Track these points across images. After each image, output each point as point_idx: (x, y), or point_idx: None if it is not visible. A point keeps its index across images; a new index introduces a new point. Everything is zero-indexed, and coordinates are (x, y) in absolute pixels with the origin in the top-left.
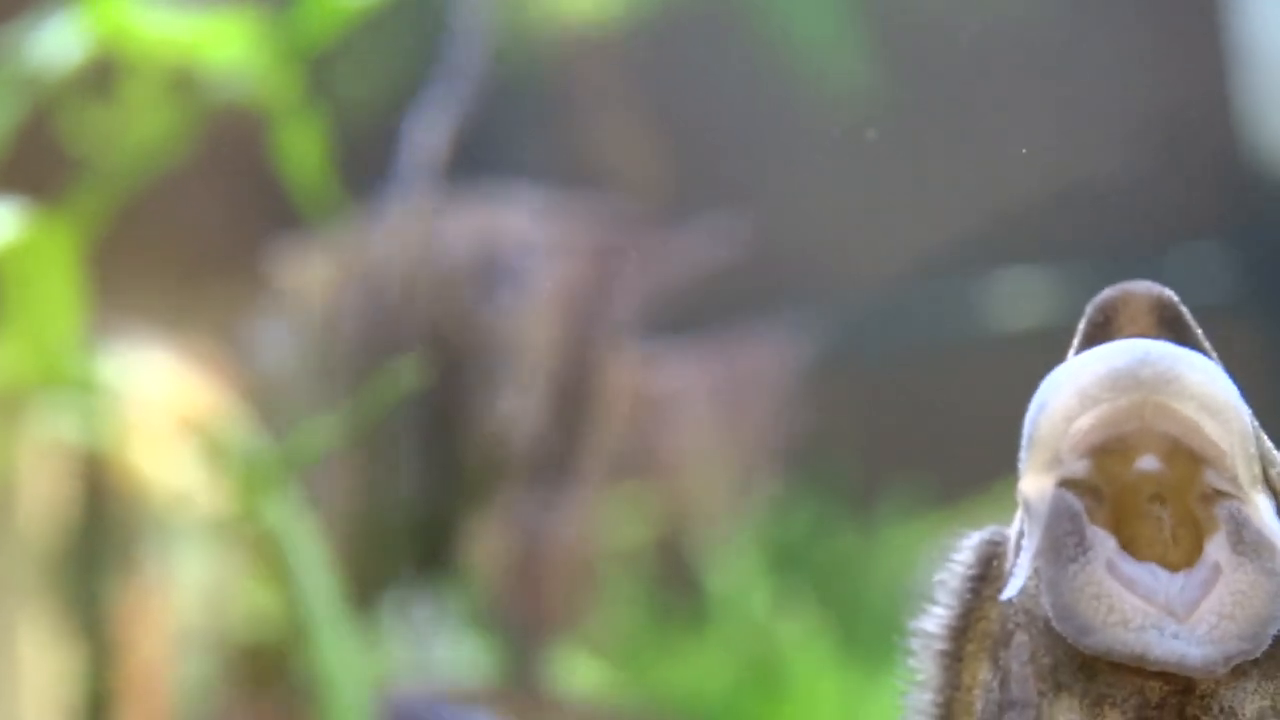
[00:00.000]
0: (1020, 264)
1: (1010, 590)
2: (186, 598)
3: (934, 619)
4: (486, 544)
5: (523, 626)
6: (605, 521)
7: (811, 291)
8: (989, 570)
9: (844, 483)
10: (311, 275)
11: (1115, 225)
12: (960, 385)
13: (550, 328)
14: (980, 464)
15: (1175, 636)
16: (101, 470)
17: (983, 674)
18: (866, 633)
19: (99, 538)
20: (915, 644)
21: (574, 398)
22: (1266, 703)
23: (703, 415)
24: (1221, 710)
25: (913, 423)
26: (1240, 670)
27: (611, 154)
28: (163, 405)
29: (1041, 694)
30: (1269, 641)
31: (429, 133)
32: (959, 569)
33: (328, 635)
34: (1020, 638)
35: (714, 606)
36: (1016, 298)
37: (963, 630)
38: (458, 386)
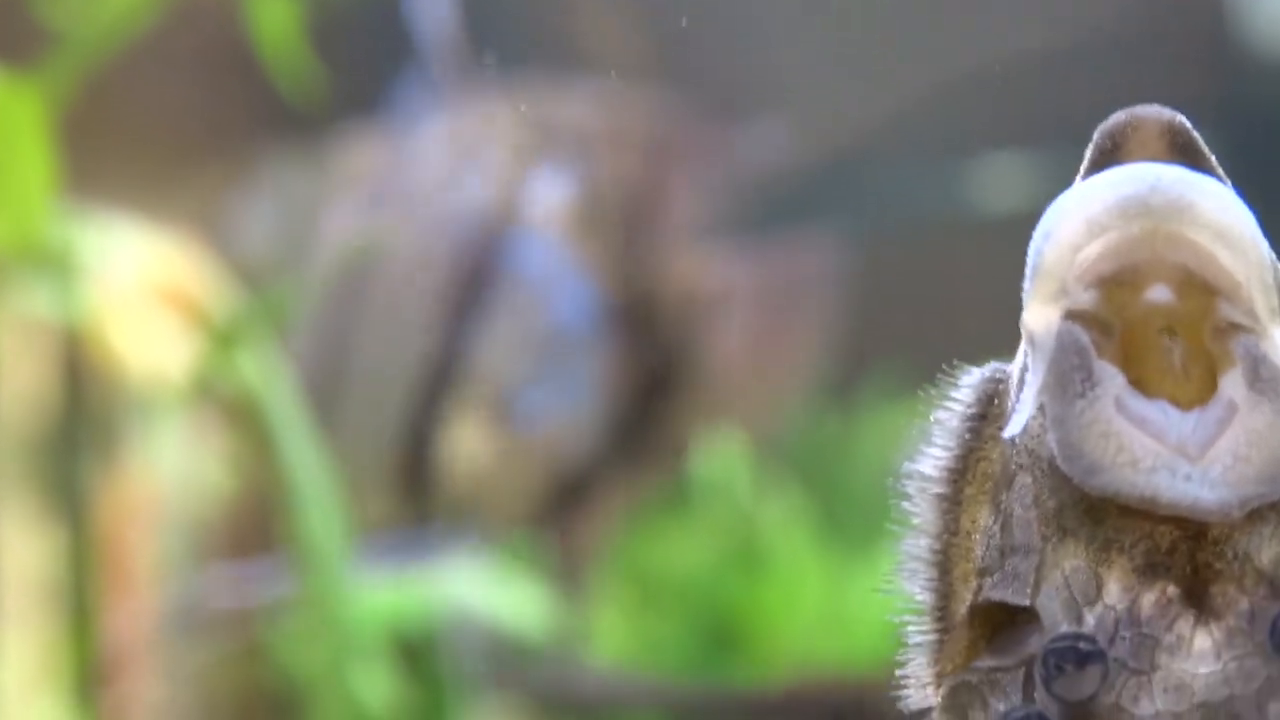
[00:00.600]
0: (1004, 146)
1: (1013, 428)
2: (167, 479)
3: (931, 460)
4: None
5: (564, 557)
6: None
7: (788, 173)
8: (990, 409)
9: (826, 365)
10: (364, 162)
11: (1102, 108)
12: (943, 268)
13: (607, 222)
14: (963, 347)
15: (1188, 478)
16: (81, 349)
17: (983, 518)
18: (848, 516)
19: (79, 418)
20: (911, 487)
21: (628, 296)
22: None
23: (748, 317)
24: (1236, 556)
25: (895, 305)
26: (1257, 515)
27: (594, 43)
28: (143, 283)
29: (1045, 538)
30: None
31: (434, 19)
32: (958, 407)
33: (306, 493)
34: (1023, 480)
35: (697, 490)
36: (1000, 180)
37: (961, 472)
38: None
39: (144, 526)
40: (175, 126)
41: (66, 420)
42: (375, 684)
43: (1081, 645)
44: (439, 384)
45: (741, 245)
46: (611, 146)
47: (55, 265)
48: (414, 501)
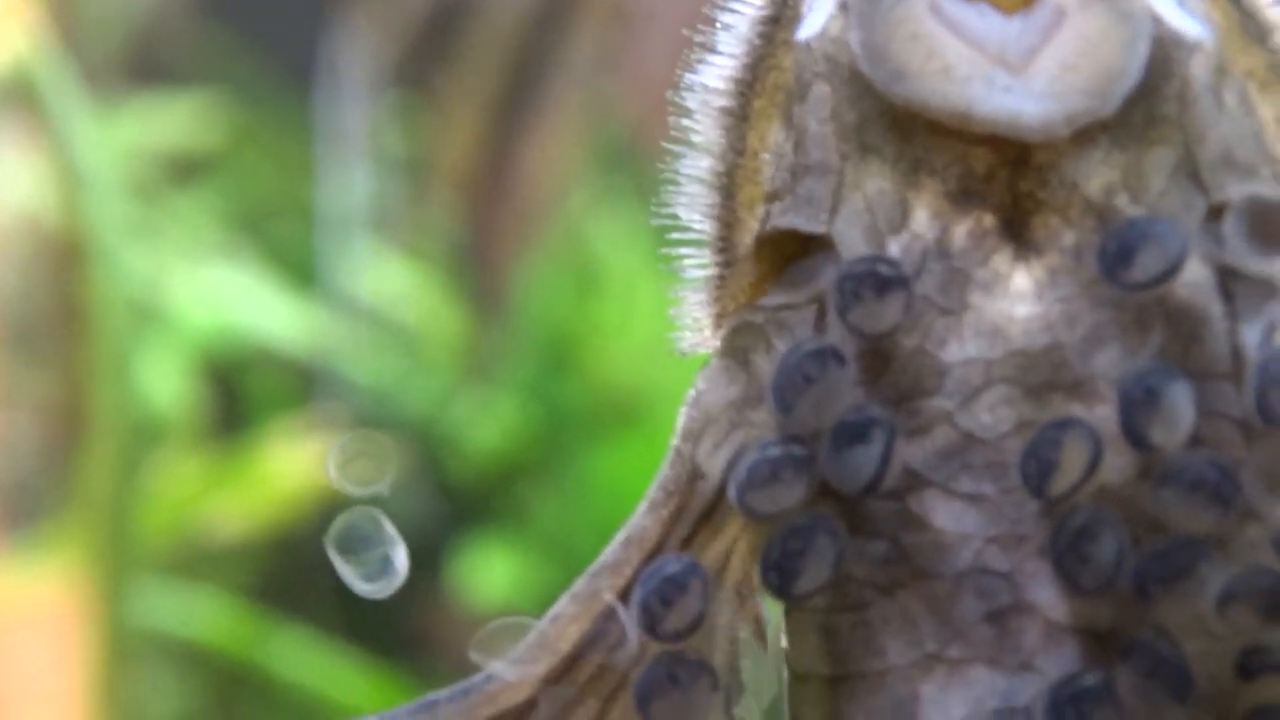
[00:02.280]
0: None
1: (808, 28)
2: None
3: (714, 70)
4: (453, 159)
5: (484, 244)
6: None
7: None
8: (783, 11)
9: None
10: None
11: None
12: None
13: None
14: None
15: (1007, 90)
16: None
17: (773, 135)
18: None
19: None
20: (692, 101)
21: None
22: (1115, 176)
23: (674, 37)
24: (1061, 184)
25: None
26: (1086, 136)
27: None
28: None
29: (845, 157)
30: (1119, 100)
31: None
32: (745, 9)
33: (88, 185)
34: (820, 90)
35: (533, 206)
36: None
37: (750, 83)
38: None
39: None
40: None
41: None
42: (167, 388)
43: (882, 269)
44: None
45: None
46: None
47: None
48: None
